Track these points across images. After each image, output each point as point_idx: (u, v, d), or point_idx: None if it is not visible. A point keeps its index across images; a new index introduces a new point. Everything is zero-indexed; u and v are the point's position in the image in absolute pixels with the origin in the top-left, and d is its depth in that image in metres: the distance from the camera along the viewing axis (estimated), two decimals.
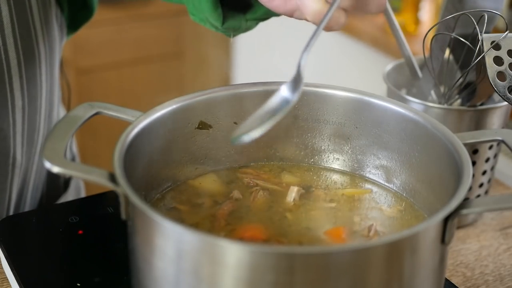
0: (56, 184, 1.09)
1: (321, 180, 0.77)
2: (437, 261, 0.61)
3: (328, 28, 0.66)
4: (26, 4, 0.90)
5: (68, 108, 1.14)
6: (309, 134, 0.78)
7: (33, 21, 0.91)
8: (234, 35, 0.83)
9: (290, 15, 0.71)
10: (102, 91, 2.50)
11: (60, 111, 1.08)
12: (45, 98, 0.97)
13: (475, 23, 0.81)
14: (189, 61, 2.65)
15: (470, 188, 0.89)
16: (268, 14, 0.82)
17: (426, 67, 0.87)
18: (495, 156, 0.90)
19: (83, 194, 1.17)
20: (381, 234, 0.69)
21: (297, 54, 0.89)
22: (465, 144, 0.67)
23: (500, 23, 1.60)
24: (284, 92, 0.63)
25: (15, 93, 0.90)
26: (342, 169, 0.78)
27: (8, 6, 0.87)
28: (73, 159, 1.14)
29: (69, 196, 1.09)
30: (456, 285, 0.79)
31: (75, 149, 1.17)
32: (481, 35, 0.79)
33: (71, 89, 1.14)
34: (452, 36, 0.84)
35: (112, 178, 0.60)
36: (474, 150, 0.87)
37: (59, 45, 1.00)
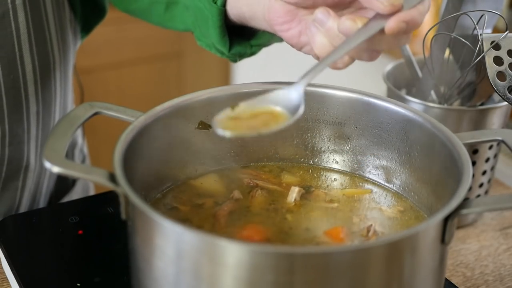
0: (65, 183, 1.09)
1: (321, 180, 0.77)
2: (437, 261, 0.61)
3: (333, 66, 0.67)
4: (41, 9, 0.90)
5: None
6: (309, 134, 0.78)
7: (48, 26, 0.92)
8: (239, 60, 0.85)
9: (300, 48, 0.72)
10: (102, 91, 2.49)
11: None
12: (59, 102, 0.98)
13: (475, 23, 0.81)
14: (189, 61, 2.64)
15: (470, 188, 0.89)
16: (271, 40, 0.84)
17: (426, 67, 0.87)
18: (495, 156, 0.90)
19: (92, 192, 1.17)
20: (380, 234, 0.69)
21: (297, 54, 0.89)
22: (465, 144, 0.67)
23: (500, 23, 1.60)
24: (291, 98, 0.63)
25: (29, 99, 0.91)
26: (342, 169, 0.78)
27: (24, 12, 0.87)
28: (83, 160, 1.14)
29: (74, 194, 1.09)
30: (456, 285, 0.79)
31: (86, 150, 1.17)
32: (481, 35, 0.79)
33: (83, 91, 1.14)
34: (452, 36, 0.84)
35: (112, 178, 0.60)
36: (474, 150, 0.87)
37: (73, 50, 1.01)
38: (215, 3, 0.78)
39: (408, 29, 0.63)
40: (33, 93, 0.91)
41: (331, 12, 0.65)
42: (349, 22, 0.63)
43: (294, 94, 0.63)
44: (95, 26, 1.05)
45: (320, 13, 0.65)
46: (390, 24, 0.62)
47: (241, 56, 0.84)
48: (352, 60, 0.67)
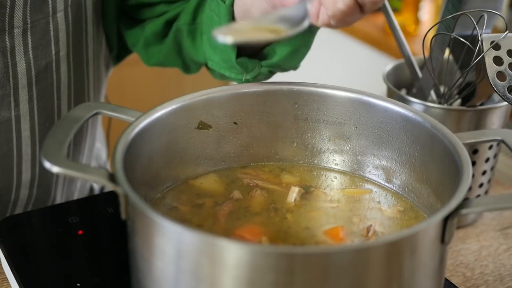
0: None
1: (321, 180, 0.77)
2: (437, 261, 0.61)
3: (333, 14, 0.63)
4: (84, 58, 0.90)
5: (108, 127, 1.14)
6: (309, 134, 0.78)
7: (87, 73, 0.92)
8: (247, 81, 0.85)
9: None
10: None
11: (99, 147, 1.09)
12: (88, 141, 0.98)
13: (475, 23, 0.81)
14: None
15: (470, 188, 0.89)
16: (282, 63, 0.83)
17: (426, 67, 0.87)
18: (495, 156, 0.90)
19: None
20: (380, 234, 0.69)
21: None
22: (465, 144, 0.67)
23: (500, 23, 1.60)
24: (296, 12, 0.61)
25: None
26: (342, 169, 0.78)
27: (67, 63, 0.87)
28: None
29: None
30: (456, 285, 0.79)
31: (108, 168, 1.16)
32: (480, 35, 0.79)
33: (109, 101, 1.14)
34: (452, 36, 0.84)
35: (112, 178, 0.60)
36: (474, 150, 0.87)
37: (105, 84, 1.01)
38: (224, 2, 0.79)
39: None
40: None
41: None
42: None
43: (297, 11, 0.61)
44: (127, 56, 1.04)
45: None
46: None
47: (248, 70, 0.84)
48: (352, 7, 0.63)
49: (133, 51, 1.02)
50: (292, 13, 0.61)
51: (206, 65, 0.92)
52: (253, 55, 0.84)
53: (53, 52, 0.85)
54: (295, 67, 0.86)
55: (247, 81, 0.85)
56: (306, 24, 0.60)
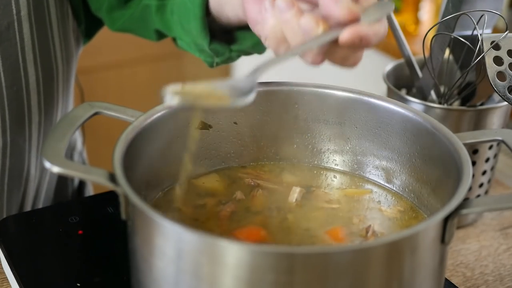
0: (64, 192, 1.09)
1: (321, 180, 0.77)
2: (437, 261, 0.61)
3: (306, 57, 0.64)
4: (46, 20, 0.90)
5: None
6: (309, 134, 0.78)
7: (52, 37, 0.92)
8: (216, 64, 0.86)
9: (254, 25, 0.70)
10: (102, 91, 2.49)
11: None
12: (60, 111, 0.98)
13: (475, 23, 0.81)
14: (189, 61, 2.64)
15: (470, 188, 0.89)
16: (251, 48, 0.84)
17: (426, 67, 0.87)
18: (495, 156, 0.90)
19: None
20: (379, 234, 0.69)
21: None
22: (465, 144, 0.67)
23: (500, 23, 1.60)
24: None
25: (32, 110, 0.91)
26: (342, 169, 0.78)
27: (29, 23, 0.87)
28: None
29: None
30: (456, 285, 0.79)
31: (85, 156, 1.16)
32: (481, 35, 0.79)
33: (84, 94, 1.14)
34: (452, 36, 0.84)
35: (112, 178, 0.60)
36: (474, 150, 0.87)
37: (75, 57, 1.01)
38: None
39: (361, 45, 0.62)
40: (36, 104, 0.91)
41: (295, 4, 0.63)
42: (312, 24, 0.61)
43: (247, 83, 0.62)
44: (97, 31, 1.05)
45: (283, 1, 0.63)
46: (345, 35, 0.61)
47: (219, 57, 0.84)
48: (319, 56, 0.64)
49: (100, 23, 1.03)
50: (243, 84, 0.63)
51: (174, 39, 0.93)
52: (222, 37, 0.84)
53: (14, 11, 0.85)
54: (263, 52, 0.86)
55: (216, 64, 0.86)
56: (251, 97, 0.62)
